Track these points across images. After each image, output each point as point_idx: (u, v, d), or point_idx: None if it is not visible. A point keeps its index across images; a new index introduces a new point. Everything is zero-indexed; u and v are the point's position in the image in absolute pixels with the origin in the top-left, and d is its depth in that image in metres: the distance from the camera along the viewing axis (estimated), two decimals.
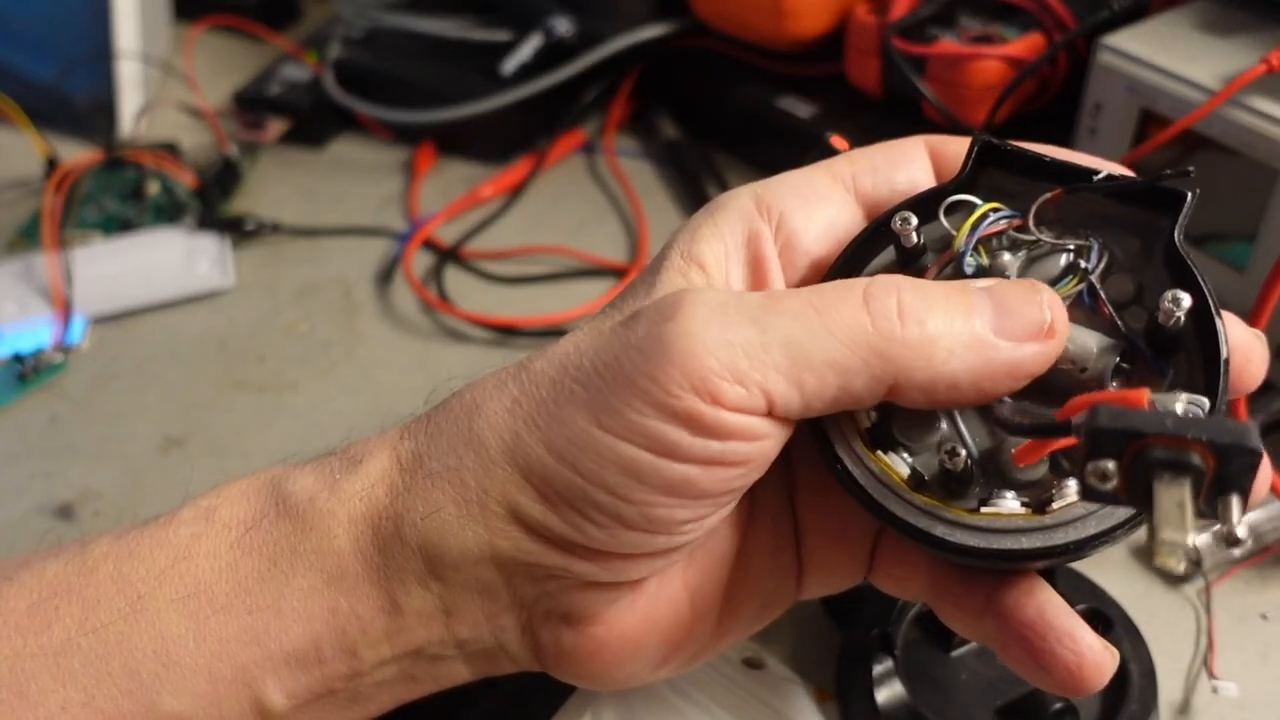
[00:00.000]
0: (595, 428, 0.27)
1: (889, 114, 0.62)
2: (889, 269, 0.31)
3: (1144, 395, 0.24)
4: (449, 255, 0.63)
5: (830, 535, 0.32)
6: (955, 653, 0.39)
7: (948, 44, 0.59)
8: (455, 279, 0.62)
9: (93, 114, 0.73)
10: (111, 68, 0.72)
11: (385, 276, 0.63)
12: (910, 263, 0.31)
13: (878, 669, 0.39)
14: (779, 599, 0.33)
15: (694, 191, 0.66)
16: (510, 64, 0.69)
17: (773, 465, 0.32)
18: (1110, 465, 0.22)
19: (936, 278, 0.30)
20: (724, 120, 0.69)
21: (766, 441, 0.27)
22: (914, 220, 0.30)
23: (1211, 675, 0.40)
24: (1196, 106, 0.46)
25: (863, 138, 0.62)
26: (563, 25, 0.70)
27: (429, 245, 0.64)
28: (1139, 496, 0.22)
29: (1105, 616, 0.40)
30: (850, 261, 0.30)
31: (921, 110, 0.60)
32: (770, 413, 0.27)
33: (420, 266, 0.63)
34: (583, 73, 0.68)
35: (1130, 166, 0.51)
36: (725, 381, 0.26)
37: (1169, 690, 0.40)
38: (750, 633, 0.33)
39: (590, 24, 0.70)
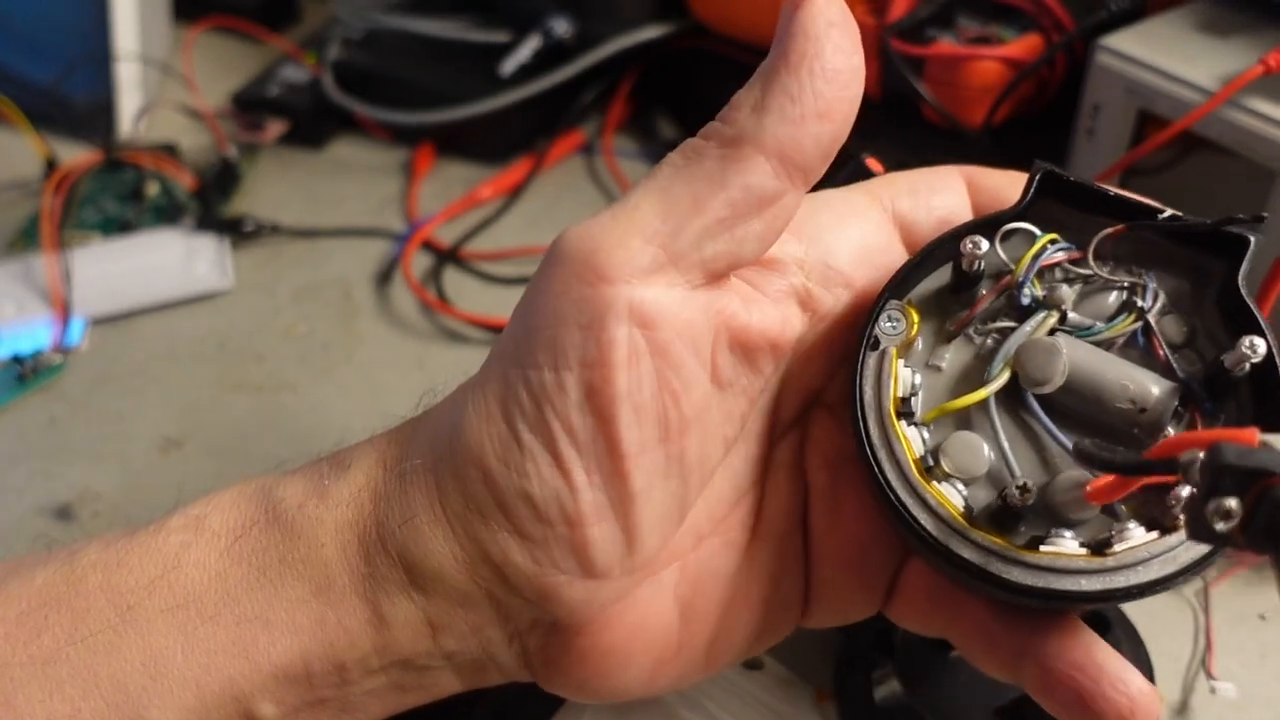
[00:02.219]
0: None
1: (887, 115, 0.62)
2: (941, 292, 0.31)
3: (1254, 434, 0.23)
4: (448, 256, 0.63)
5: (846, 564, 0.31)
6: (954, 653, 0.39)
7: (946, 45, 0.59)
8: (454, 280, 0.62)
9: (92, 115, 0.73)
10: (111, 69, 0.72)
11: (384, 277, 0.63)
12: (965, 287, 0.30)
13: (877, 669, 0.39)
14: (779, 626, 0.32)
15: None
16: (509, 65, 0.69)
17: (783, 487, 0.31)
18: (1234, 503, 0.22)
19: (990, 305, 0.30)
20: None
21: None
22: (985, 245, 0.29)
23: (1210, 676, 0.40)
24: (1195, 107, 0.46)
25: (862, 139, 0.62)
26: (561, 26, 0.70)
27: (428, 246, 0.64)
28: (1259, 536, 0.22)
29: (1103, 617, 0.40)
30: (903, 283, 0.30)
31: (920, 111, 0.60)
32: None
33: (419, 267, 0.63)
34: (582, 73, 0.68)
35: (1129, 168, 0.51)
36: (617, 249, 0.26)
37: (1167, 691, 0.40)
38: (747, 656, 0.32)
39: (589, 24, 0.70)
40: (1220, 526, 0.22)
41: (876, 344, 0.29)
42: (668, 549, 0.29)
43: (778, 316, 0.29)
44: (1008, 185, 0.32)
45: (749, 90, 0.28)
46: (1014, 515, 0.28)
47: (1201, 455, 0.23)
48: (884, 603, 0.32)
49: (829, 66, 0.27)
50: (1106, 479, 0.27)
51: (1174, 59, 0.49)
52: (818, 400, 0.32)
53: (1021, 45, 0.58)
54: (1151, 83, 0.49)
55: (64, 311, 0.59)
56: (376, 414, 0.54)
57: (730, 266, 0.28)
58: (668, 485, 0.28)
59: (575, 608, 0.28)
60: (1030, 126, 0.59)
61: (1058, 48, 0.57)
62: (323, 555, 0.28)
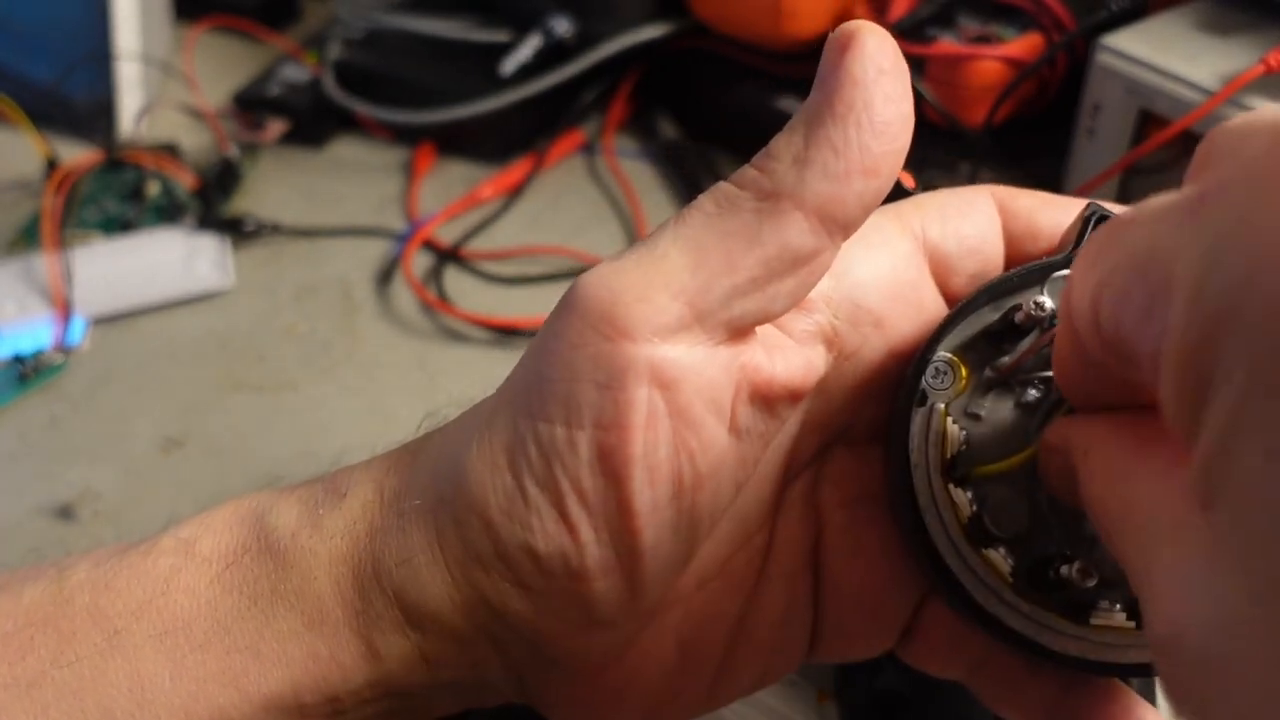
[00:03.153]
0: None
1: None
2: (980, 337, 0.29)
3: None
4: (448, 255, 0.63)
5: (861, 606, 0.30)
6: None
7: (946, 44, 0.59)
8: (455, 279, 0.62)
9: (93, 115, 0.73)
10: (111, 68, 0.72)
11: (385, 277, 0.63)
12: (1010, 335, 0.29)
13: (877, 669, 0.39)
14: (783, 664, 0.31)
15: (694, 192, 0.66)
16: (510, 64, 0.69)
17: (794, 526, 0.30)
18: None
19: (1037, 355, 0.28)
20: (724, 120, 0.69)
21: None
22: (1049, 307, 0.27)
23: None
24: (1195, 107, 0.46)
25: None
26: (562, 25, 0.70)
27: (428, 245, 0.64)
28: None
29: None
30: (943, 331, 0.28)
31: (921, 111, 0.60)
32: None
33: (420, 267, 0.63)
34: (582, 73, 0.68)
35: (1130, 168, 0.51)
36: (634, 303, 0.25)
37: None
38: (749, 694, 0.31)
39: (590, 24, 0.70)
40: None
41: (924, 399, 0.28)
42: (670, 593, 0.29)
43: (801, 363, 0.28)
44: (1040, 209, 0.30)
45: (789, 138, 0.26)
46: (1064, 585, 0.27)
47: None
48: (899, 644, 0.31)
49: (878, 119, 0.25)
50: None
51: (1175, 58, 0.49)
52: (838, 438, 0.31)
53: (1022, 45, 0.58)
54: (1152, 82, 0.49)
55: (65, 311, 0.59)
56: (377, 413, 0.55)
57: (757, 323, 0.27)
58: (676, 538, 0.27)
59: (574, 654, 0.28)
60: (1031, 126, 0.59)
61: (1058, 47, 0.57)
62: (315, 588, 0.27)
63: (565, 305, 0.26)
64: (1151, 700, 0.37)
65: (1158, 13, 0.54)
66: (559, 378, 0.26)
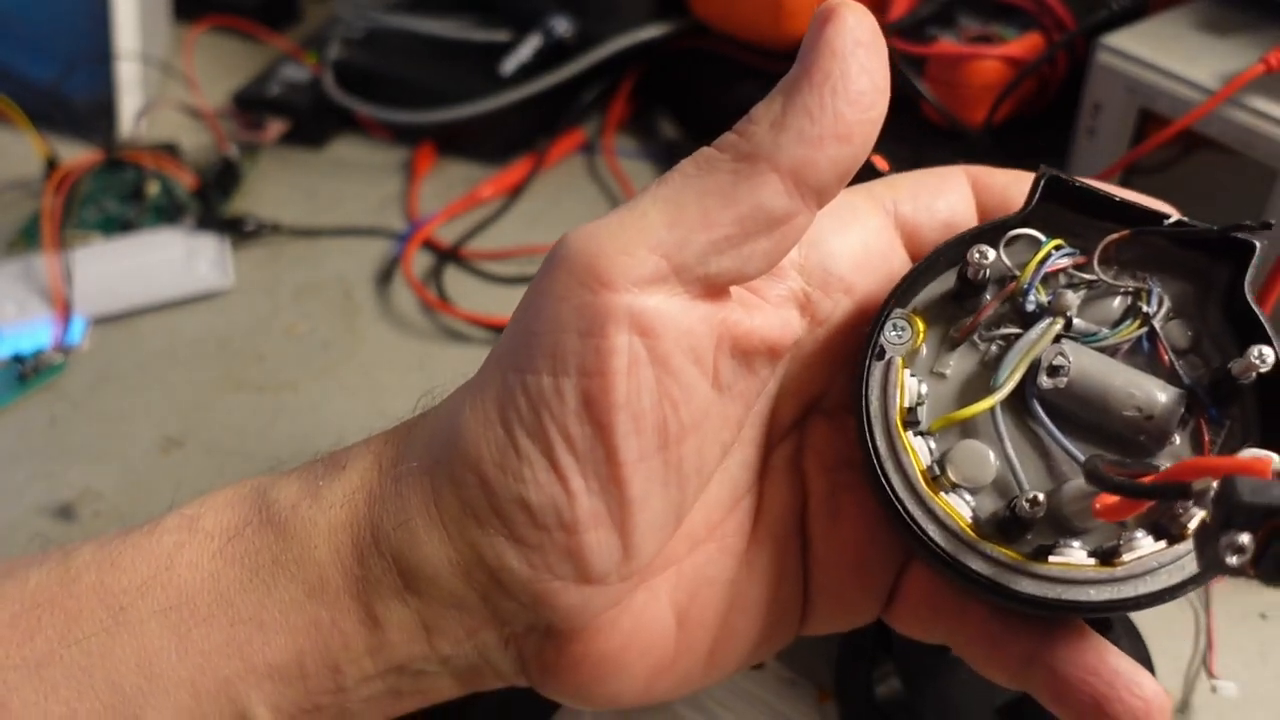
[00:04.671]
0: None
1: (887, 114, 0.62)
2: (945, 298, 0.30)
3: (1268, 465, 0.23)
4: (449, 255, 0.63)
5: (846, 569, 0.31)
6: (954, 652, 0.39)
7: (947, 44, 0.59)
8: (455, 279, 0.62)
9: (93, 115, 0.73)
10: (111, 68, 0.72)
11: (385, 277, 0.63)
12: (969, 294, 0.30)
13: (877, 668, 0.39)
14: (779, 634, 0.32)
15: None
16: (510, 64, 0.69)
17: (780, 492, 0.31)
18: (1246, 539, 0.21)
19: (995, 311, 0.30)
20: (724, 120, 0.68)
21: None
22: (991, 255, 0.29)
23: (1210, 674, 0.40)
24: (1196, 106, 0.46)
25: None
26: (562, 25, 0.70)
27: (429, 245, 0.64)
28: (1271, 572, 0.21)
29: (1104, 618, 0.40)
30: (907, 291, 0.30)
31: (920, 110, 0.60)
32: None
33: (420, 267, 0.63)
34: (582, 73, 0.68)
35: (1130, 167, 0.51)
36: (618, 256, 0.26)
37: (1168, 689, 0.40)
38: (748, 665, 0.32)
39: (590, 24, 0.70)
40: (1232, 560, 0.21)
41: (882, 353, 0.29)
42: (663, 555, 0.29)
43: (778, 321, 0.29)
44: (1013, 184, 0.31)
45: (768, 104, 0.27)
46: (1022, 525, 0.28)
47: (1215, 485, 0.22)
48: (885, 609, 0.31)
49: (853, 88, 0.26)
50: (1116, 498, 0.26)
51: (1175, 58, 0.49)
52: (815, 406, 0.32)
53: (1022, 44, 0.58)
54: (1152, 81, 0.49)
55: (65, 311, 0.59)
56: (376, 413, 0.55)
57: (733, 282, 0.27)
58: (665, 492, 0.28)
59: (570, 613, 0.28)
60: (1031, 125, 0.59)
61: (1059, 46, 0.57)
62: (315, 557, 0.28)
63: (550, 262, 0.27)
64: (1150, 669, 0.38)
65: (1158, 12, 0.54)
66: (545, 330, 0.26)
